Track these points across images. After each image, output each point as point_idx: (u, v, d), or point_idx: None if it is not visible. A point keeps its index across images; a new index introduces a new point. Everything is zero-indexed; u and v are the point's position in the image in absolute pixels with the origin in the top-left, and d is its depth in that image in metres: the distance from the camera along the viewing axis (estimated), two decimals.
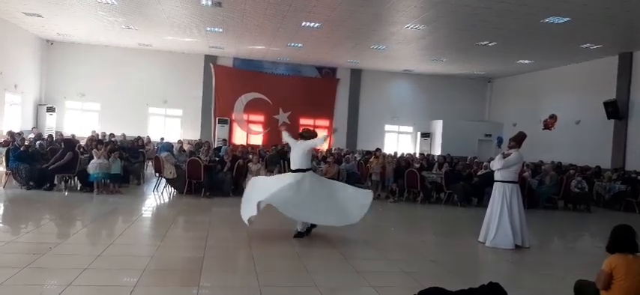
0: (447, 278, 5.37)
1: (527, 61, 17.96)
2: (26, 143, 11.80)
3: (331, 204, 6.66)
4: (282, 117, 21.47)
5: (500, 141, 7.79)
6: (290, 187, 6.50)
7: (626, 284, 3.61)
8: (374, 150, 15.48)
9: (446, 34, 14.33)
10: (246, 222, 6.47)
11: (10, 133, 13.31)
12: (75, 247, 5.87)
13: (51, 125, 18.88)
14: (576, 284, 4.11)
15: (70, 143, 11.32)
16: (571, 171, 13.39)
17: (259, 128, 21.65)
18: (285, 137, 7.57)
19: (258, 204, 6.24)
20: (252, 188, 6.99)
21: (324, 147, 15.18)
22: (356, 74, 22.26)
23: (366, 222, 9.02)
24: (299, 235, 6.80)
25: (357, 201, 6.88)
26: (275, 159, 12.42)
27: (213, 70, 20.91)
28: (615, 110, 15.10)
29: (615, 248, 3.73)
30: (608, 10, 11.14)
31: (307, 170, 6.82)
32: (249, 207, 6.52)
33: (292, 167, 6.91)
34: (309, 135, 7.08)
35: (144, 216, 8.53)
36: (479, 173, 12.53)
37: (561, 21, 12.12)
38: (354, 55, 18.73)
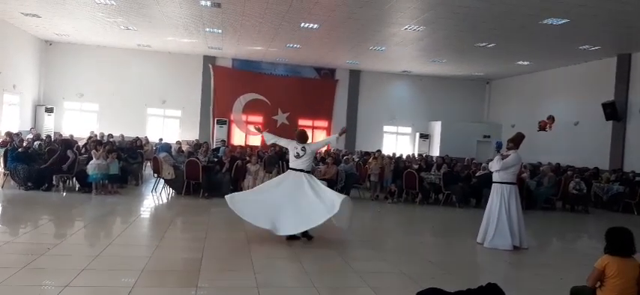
0: (445, 278, 5.37)
1: (525, 63, 17.99)
2: (25, 144, 11.78)
3: (313, 202, 6.51)
4: (281, 118, 21.50)
5: (499, 145, 7.81)
6: (280, 198, 6.53)
7: (618, 282, 3.64)
8: (373, 151, 15.53)
9: (445, 35, 14.34)
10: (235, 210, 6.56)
11: (9, 134, 13.29)
12: (73, 248, 5.87)
13: (49, 125, 18.87)
14: (572, 290, 4.11)
15: (68, 143, 11.34)
16: (569, 173, 13.42)
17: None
18: (271, 138, 7.49)
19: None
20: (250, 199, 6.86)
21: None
22: (355, 75, 22.28)
23: (364, 223, 9.05)
24: (296, 237, 6.74)
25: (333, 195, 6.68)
26: (273, 160, 12.41)
27: (211, 71, 20.90)
28: (613, 111, 15.12)
29: (613, 251, 3.75)
30: (607, 12, 11.15)
31: (308, 172, 6.84)
32: (241, 208, 6.55)
33: (295, 167, 6.82)
34: (305, 136, 7.06)
35: (142, 216, 8.52)
36: (477, 174, 12.55)
37: (560, 22, 12.13)
38: (353, 56, 18.73)
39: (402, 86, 22.90)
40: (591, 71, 16.74)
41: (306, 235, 6.65)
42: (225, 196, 6.80)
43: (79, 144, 13.05)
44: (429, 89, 22.79)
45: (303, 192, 6.57)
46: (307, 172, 6.83)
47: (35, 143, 12.34)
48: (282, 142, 7.41)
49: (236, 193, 7.14)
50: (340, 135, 7.45)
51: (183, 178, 10.71)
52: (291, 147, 6.95)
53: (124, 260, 5.40)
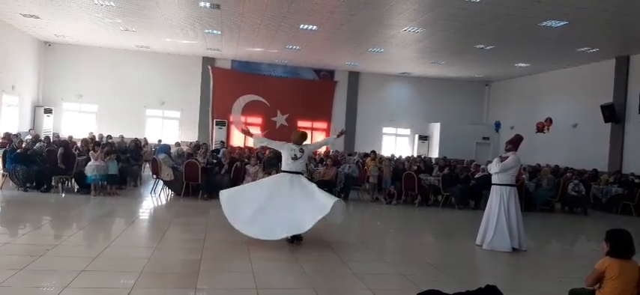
0: (444, 280, 5.37)
1: (524, 65, 18.01)
2: (23, 145, 11.76)
3: (303, 204, 6.39)
4: (280, 119, 21.51)
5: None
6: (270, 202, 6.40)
7: (619, 284, 3.65)
8: (369, 152, 15.55)
9: (444, 37, 14.36)
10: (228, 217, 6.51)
11: (7, 135, 13.27)
12: (72, 249, 5.86)
13: (48, 127, 18.85)
14: (571, 292, 4.12)
15: (65, 144, 11.35)
16: (568, 174, 13.42)
17: (257, 130, 21.62)
18: (261, 142, 7.35)
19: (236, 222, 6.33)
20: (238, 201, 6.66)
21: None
22: (354, 77, 22.29)
23: (363, 224, 9.06)
24: (299, 238, 6.68)
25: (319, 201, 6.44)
26: (273, 162, 12.40)
27: (211, 72, 20.91)
28: (612, 113, 15.15)
29: (615, 253, 3.75)
30: (605, 14, 11.18)
31: (303, 174, 6.80)
32: (231, 212, 6.51)
33: (290, 169, 6.69)
34: (304, 137, 6.97)
35: (141, 218, 8.52)
36: (476, 176, 12.55)
37: (558, 24, 12.16)
38: (352, 57, 18.75)
39: (401, 87, 22.92)
40: (590, 73, 16.76)
41: (295, 238, 6.53)
42: (220, 192, 6.73)
43: (77, 144, 13.04)
44: (428, 91, 22.81)
45: (298, 194, 6.46)
46: (302, 174, 6.79)
47: (36, 144, 12.29)
48: (275, 145, 7.20)
49: (231, 193, 6.83)
50: (338, 136, 7.40)
51: (182, 179, 10.70)
52: (287, 149, 6.75)
53: (123, 261, 5.39)
